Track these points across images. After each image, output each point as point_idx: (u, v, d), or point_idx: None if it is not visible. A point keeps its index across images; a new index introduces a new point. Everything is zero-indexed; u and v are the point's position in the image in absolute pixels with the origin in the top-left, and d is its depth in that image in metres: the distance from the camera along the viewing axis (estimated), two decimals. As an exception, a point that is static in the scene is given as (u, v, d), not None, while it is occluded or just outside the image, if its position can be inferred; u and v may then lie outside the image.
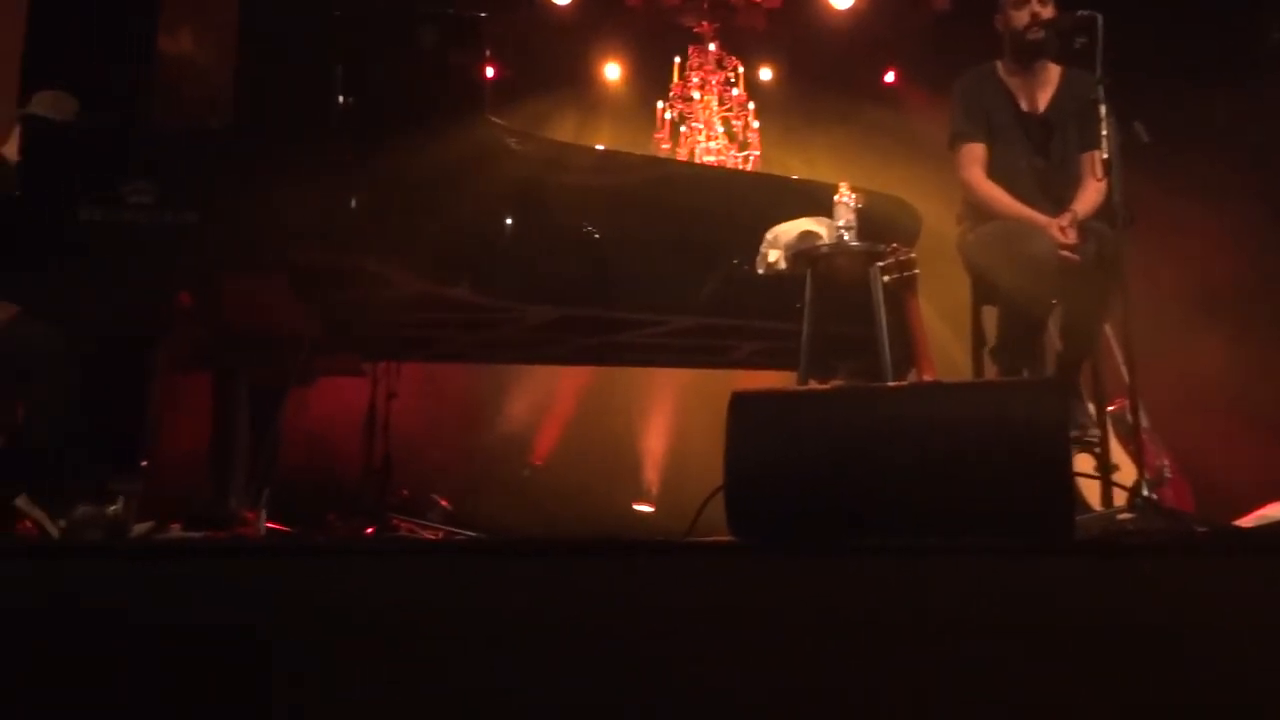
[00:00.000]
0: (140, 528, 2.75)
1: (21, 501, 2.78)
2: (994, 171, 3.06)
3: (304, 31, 2.99)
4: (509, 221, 3.04)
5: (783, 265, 3.20)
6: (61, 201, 2.50)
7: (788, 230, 3.22)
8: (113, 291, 2.58)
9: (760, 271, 3.26)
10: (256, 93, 2.94)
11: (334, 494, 3.62)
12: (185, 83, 4.39)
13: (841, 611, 1.65)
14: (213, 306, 2.78)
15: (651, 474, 5.88)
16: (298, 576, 1.73)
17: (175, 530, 3.04)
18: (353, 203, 2.69)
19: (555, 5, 6.15)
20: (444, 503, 4.92)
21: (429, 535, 3.33)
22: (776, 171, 5.27)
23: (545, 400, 5.64)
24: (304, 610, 1.65)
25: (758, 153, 6.07)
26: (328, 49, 2.87)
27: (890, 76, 6.33)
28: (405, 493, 4.18)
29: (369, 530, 3.35)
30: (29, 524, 2.80)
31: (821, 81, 5.96)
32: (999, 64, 3.17)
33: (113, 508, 2.56)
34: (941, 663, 1.52)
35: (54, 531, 2.72)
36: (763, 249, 3.26)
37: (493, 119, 3.07)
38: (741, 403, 2.25)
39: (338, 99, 2.82)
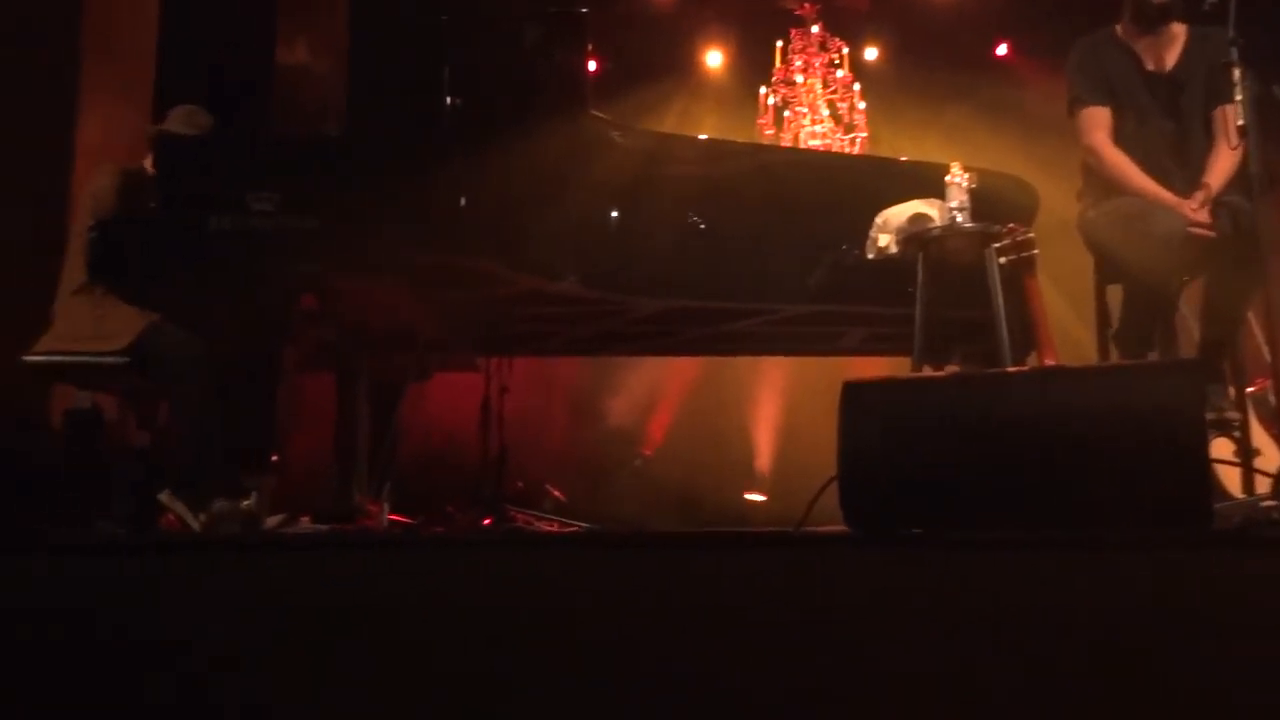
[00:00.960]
0: (272, 520, 2.88)
1: (165, 496, 2.95)
2: (1121, 137, 2.91)
3: (412, 36, 3.06)
4: (615, 215, 3.06)
5: (893, 249, 3.13)
6: (193, 212, 2.62)
7: (898, 213, 3.15)
8: (241, 297, 2.70)
9: (870, 257, 3.19)
10: (368, 98, 3.03)
11: (452, 486, 3.72)
12: (302, 92, 4.57)
13: (961, 605, 1.61)
14: (334, 308, 2.88)
15: (762, 463, 5.84)
16: (419, 566, 1.79)
17: (305, 522, 3.17)
18: (462, 202, 2.74)
19: (655, -3, 6.15)
20: (557, 493, 5.00)
21: (544, 526, 3.39)
22: (885, 153, 5.16)
23: (654, 391, 5.67)
24: (423, 597, 1.70)
25: (864, 134, 5.95)
26: (435, 52, 2.94)
27: (1002, 49, 6.12)
28: (520, 484, 4.26)
29: (486, 521, 3.43)
30: (172, 517, 2.97)
31: (929, 58, 5.80)
32: (1117, 27, 3.02)
33: (247, 502, 2.69)
34: (1070, 660, 1.47)
35: (194, 524, 2.88)
36: (872, 233, 3.20)
37: (596, 114, 3.09)
38: (854, 392, 2.22)
39: (446, 101, 2.88)
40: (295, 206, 2.64)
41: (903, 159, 4.17)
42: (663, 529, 4.16)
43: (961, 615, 1.54)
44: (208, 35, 4.17)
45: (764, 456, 5.85)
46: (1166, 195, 2.76)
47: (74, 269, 2.95)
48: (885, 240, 3.15)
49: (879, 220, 3.19)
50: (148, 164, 2.96)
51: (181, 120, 2.97)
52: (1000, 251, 2.84)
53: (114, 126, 3.91)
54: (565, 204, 2.90)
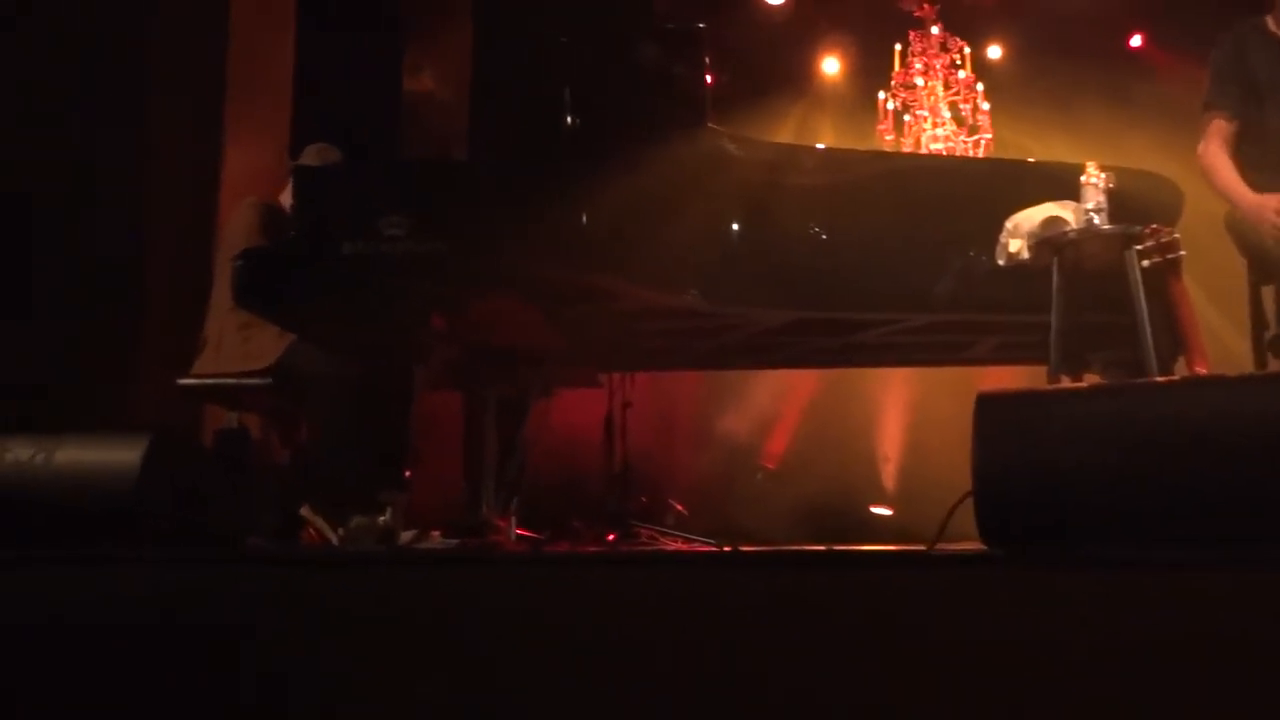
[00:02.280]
0: (406, 535, 2.97)
1: (305, 511, 3.08)
2: (1272, 137, 2.75)
3: (533, 59, 3.13)
4: (735, 228, 3.05)
5: (1025, 255, 3.02)
6: (328, 239, 2.73)
7: (1029, 217, 3.03)
8: (374, 318, 2.80)
9: (1001, 263, 3.08)
10: (491, 121, 3.10)
11: (577, 502, 3.76)
12: (429, 118, 4.73)
13: (1105, 630, 1.52)
14: (462, 327, 2.95)
15: (888, 475, 5.71)
16: (551, 583, 1.81)
17: (435, 537, 3.26)
18: (584, 220, 2.77)
19: (769, 4, 6.12)
20: (679, 507, 5.00)
21: (667, 541, 3.38)
22: (1013, 155, 4.98)
23: (776, 402, 5.61)
24: (558, 618, 1.72)
25: (989, 135, 5.77)
26: (555, 73, 2.99)
27: (1137, 40, 5.84)
28: (644, 499, 4.27)
29: (611, 536, 3.45)
30: (312, 531, 3.09)
31: (1058, 54, 5.58)
32: (1268, 18, 2.85)
33: (383, 518, 2.78)
34: (1233, 690, 1.37)
35: (333, 538, 2.99)
36: (1002, 239, 3.09)
37: (714, 127, 3.09)
38: (989, 404, 2.13)
39: (567, 121, 2.93)
40: (424, 230, 2.71)
41: (1032, 160, 4.02)
42: (787, 543, 4.11)
43: (1120, 643, 1.46)
44: (339, 73, 4.36)
45: (889, 468, 5.72)
46: (1247, 196, 2.61)
47: (221, 295, 3.12)
48: (1016, 246, 3.04)
49: (1009, 225, 3.08)
50: (286, 197, 3.11)
51: (313, 156, 3.13)
52: (1142, 254, 2.71)
53: (255, 162, 4.13)
54: (686, 218, 2.90)
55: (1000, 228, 3.10)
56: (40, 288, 3.49)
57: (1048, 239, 2.94)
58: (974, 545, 2.34)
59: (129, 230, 3.65)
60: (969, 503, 2.15)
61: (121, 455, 2.28)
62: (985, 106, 5.79)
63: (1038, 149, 5.01)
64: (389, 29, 4.77)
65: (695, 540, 3.26)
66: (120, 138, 3.61)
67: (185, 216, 3.95)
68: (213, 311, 3.20)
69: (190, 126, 4.01)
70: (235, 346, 3.06)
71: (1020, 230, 3.04)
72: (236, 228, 3.11)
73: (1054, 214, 2.98)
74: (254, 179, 4.02)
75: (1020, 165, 3.92)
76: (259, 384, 3.02)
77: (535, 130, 2.95)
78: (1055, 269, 2.92)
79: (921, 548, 2.88)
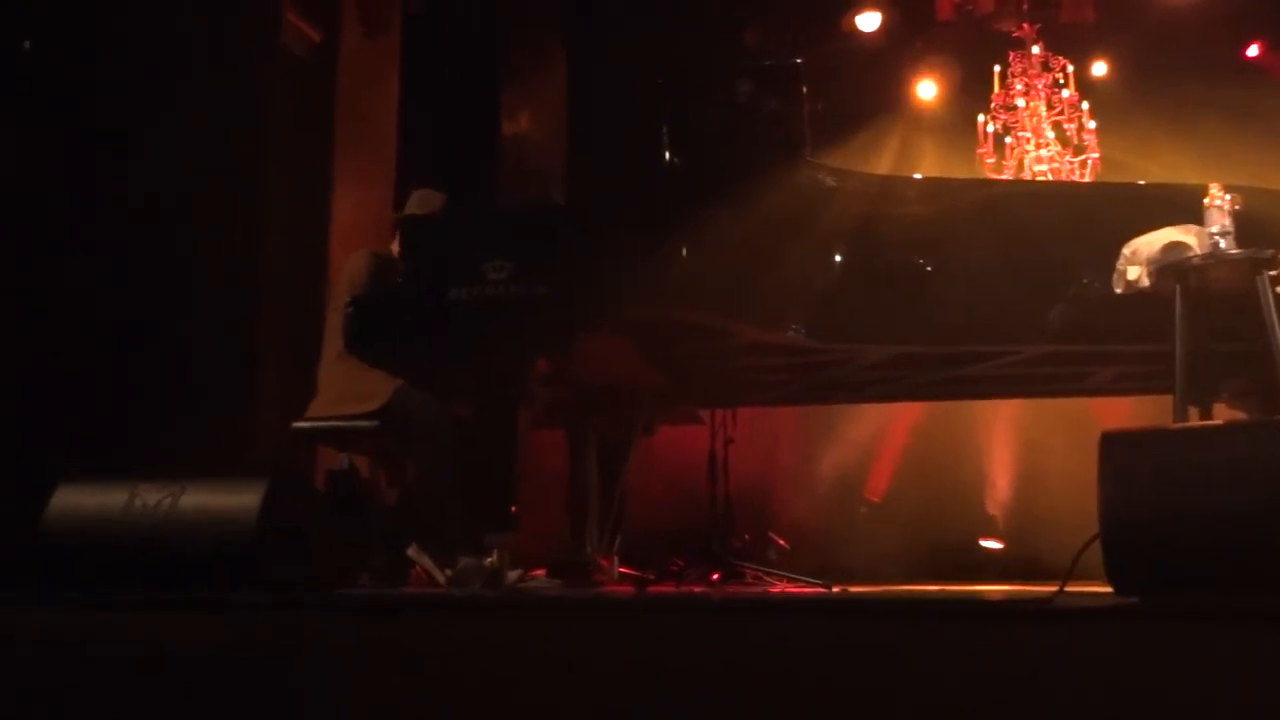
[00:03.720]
0: (511, 575, 2.99)
1: (412, 551, 3.12)
2: None
3: (630, 98, 3.15)
4: (838, 262, 3.00)
5: (1146, 282, 2.89)
6: (434, 286, 2.79)
7: (1149, 243, 2.91)
8: (479, 362, 2.84)
9: (1119, 290, 2.96)
10: (589, 162, 3.14)
11: (679, 540, 3.73)
12: (527, 160, 4.83)
13: (1247, 689, 1.43)
14: (565, 368, 2.97)
15: (997, 508, 5.53)
16: (660, 631, 1.79)
17: (540, 577, 3.27)
18: (685, 258, 2.77)
19: (862, 31, 6.06)
20: (781, 542, 4.92)
21: (772, 581, 3.32)
22: (1124, 177, 4.80)
23: (878, 435, 5.49)
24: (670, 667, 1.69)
25: (1096, 155, 5.59)
26: (653, 112, 3.00)
27: (1254, 50, 5.58)
28: (747, 537, 4.21)
29: (715, 575, 3.41)
30: (420, 571, 3.14)
31: (1168, 68, 5.36)
32: None
33: (490, 559, 2.80)
34: None
35: (440, 578, 3.02)
36: (1120, 265, 2.97)
37: (813, 161, 3.06)
38: (1115, 444, 2.04)
39: (665, 159, 2.93)
40: (527, 274, 2.75)
41: (1146, 183, 3.86)
42: (895, 581, 4.00)
43: (1266, 704, 1.36)
44: (440, 122, 4.48)
45: (998, 501, 5.54)
46: None
47: (332, 340, 3.21)
48: (1136, 272, 2.91)
49: (1126, 251, 2.96)
50: (394, 246, 3.20)
51: (418, 203, 3.21)
52: (1275, 280, 2.56)
53: (362, 210, 4.27)
54: (787, 254, 2.88)
55: (1115, 254, 2.98)
56: (165, 334, 3.65)
57: (1170, 265, 2.82)
58: (1099, 587, 2.24)
59: (247, 279, 3.80)
60: (1077, 533, 2.06)
61: (242, 499, 2.36)
62: (1091, 125, 5.62)
63: (1152, 169, 4.82)
64: (487, 76, 4.89)
65: (801, 580, 3.19)
66: (238, 191, 3.78)
67: (297, 265, 4.10)
68: (325, 354, 3.29)
69: (301, 179, 4.17)
70: (345, 390, 3.13)
71: (1139, 256, 2.92)
72: (349, 277, 3.21)
73: (1175, 239, 2.85)
74: (361, 228, 4.16)
75: (1134, 188, 3.77)
76: (368, 426, 3.08)
77: (634, 170, 2.96)
78: (1179, 296, 2.79)
79: (1044, 588, 2.77)
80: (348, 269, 3.24)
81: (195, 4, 3.71)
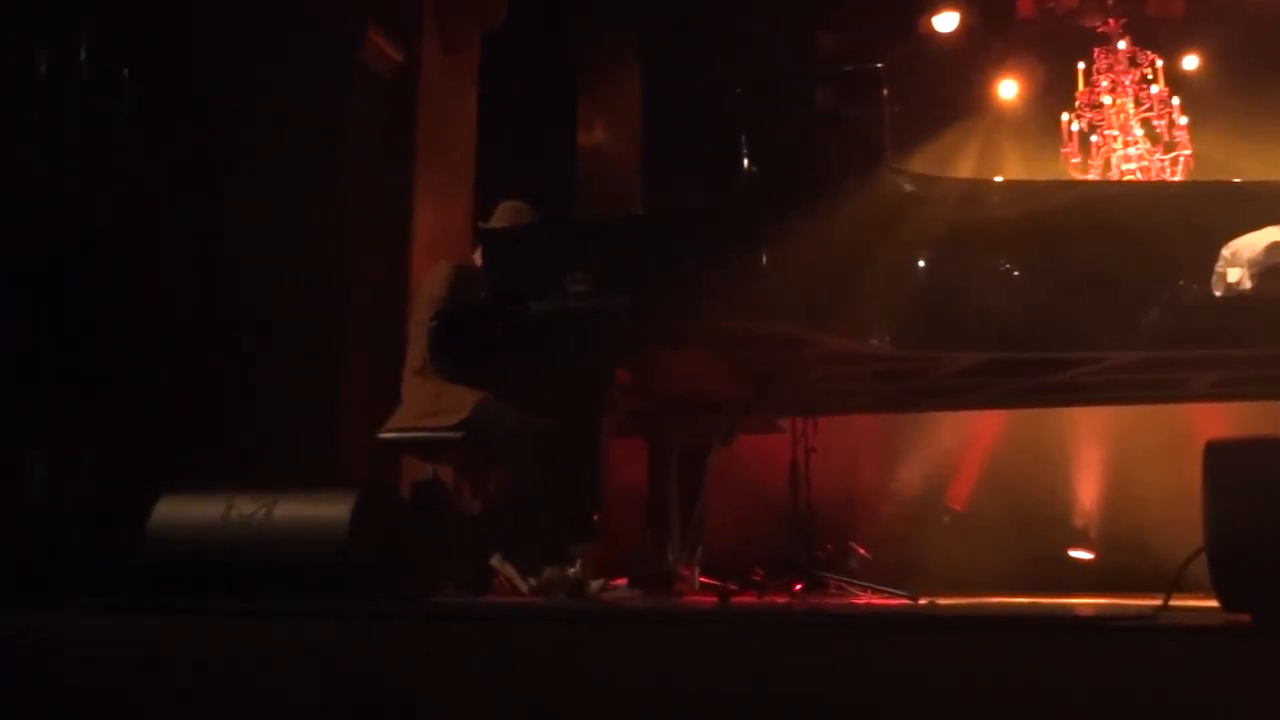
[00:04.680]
0: (592, 585, 2.99)
1: (496, 560, 3.15)
2: None
3: (705, 107, 3.14)
4: (921, 270, 2.95)
5: (1248, 284, 2.78)
6: (515, 298, 2.81)
7: (1250, 244, 2.80)
8: (561, 374, 2.86)
9: (1218, 293, 2.85)
10: (666, 172, 3.13)
11: (761, 549, 3.70)
12: (604, 172, 4.85)
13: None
14: (646, 378, 2.97)
15: (1087, 516, 5.36)
16: (745, 646, 1.77)
17: (621, 586, 3.27)
18: (766, 268, 2.75)
19: (940, 32, 5.96)
20: (862, 551, 4.84)
21: (854, 591, 3.27)
22: (1219, 174, 4.63)
23: (961, 441, 5.37)
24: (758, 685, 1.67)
25: (1188, 152, 5.40)
26: (730, 120, 2.99)
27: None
28: (829, 547, 4.15)
29: (797, 586, 3.37)
30: (503, 580, 3.17)
31: (1265, 60, 5.14)
32: None
33: (573, 569, 2.81)
34: None
35: (524, 588, 3.05)
36: (1219, 267, 2.86)
37: (894, 166, 3.01)
38: (1221, 453, 1.97)
39: (744, 168, 2.91)
40: (607, 285, 2.75)
41: (1246, 181, 3.71)
42: (982, 592, 3.90)
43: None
44: (518, 136, 4.54)
45: (1087, 509, 5.37)
46: None
47: (415, 353, 3.26)
48: (1237, 274, 2.80)
49: (1226, 253, 2.85)
50: (477, 257, 3.24)
51: (505, 216, 3.24)
52: (1389, 280, 2.44)
53: (443, 223, 4.35)
54: (869, 262, 2.83)
55: (1213, 255, 2.87)
56: (255, 348, 3.75)
57: (1273, 266, 2.70)
58: (1200, 600, 2.15)
59: (333, 293, 3.89)
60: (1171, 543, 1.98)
61: (333, 510, 2.41)
62: (1182, 121, 5.43)
63: (1250, 166, 4.63)
64: (564, 89, 4.93)
65: (886, 592, 3.13)
66: (324, 207, 3.87)
67: (381, 279, 4.18)
68: (408, 366, 3.34)
69: (384, 193, 4.26)
70: (429, 403, 3.18)
71: (1240, 258, 2.81)
72: (430, 289, 3.25)
73: (1278, 239, 2.74)
74: (443, 240, 4.22)
75: (1232, 187, 3.63)
76: (452, 437, 3.12)
77: (712, 180, 2.95)
78: (1284, 299, 2.68)
79: (1140, 601, 2.68)
80: (429, 281, 3.29)
81: (282, 26, 3.82)
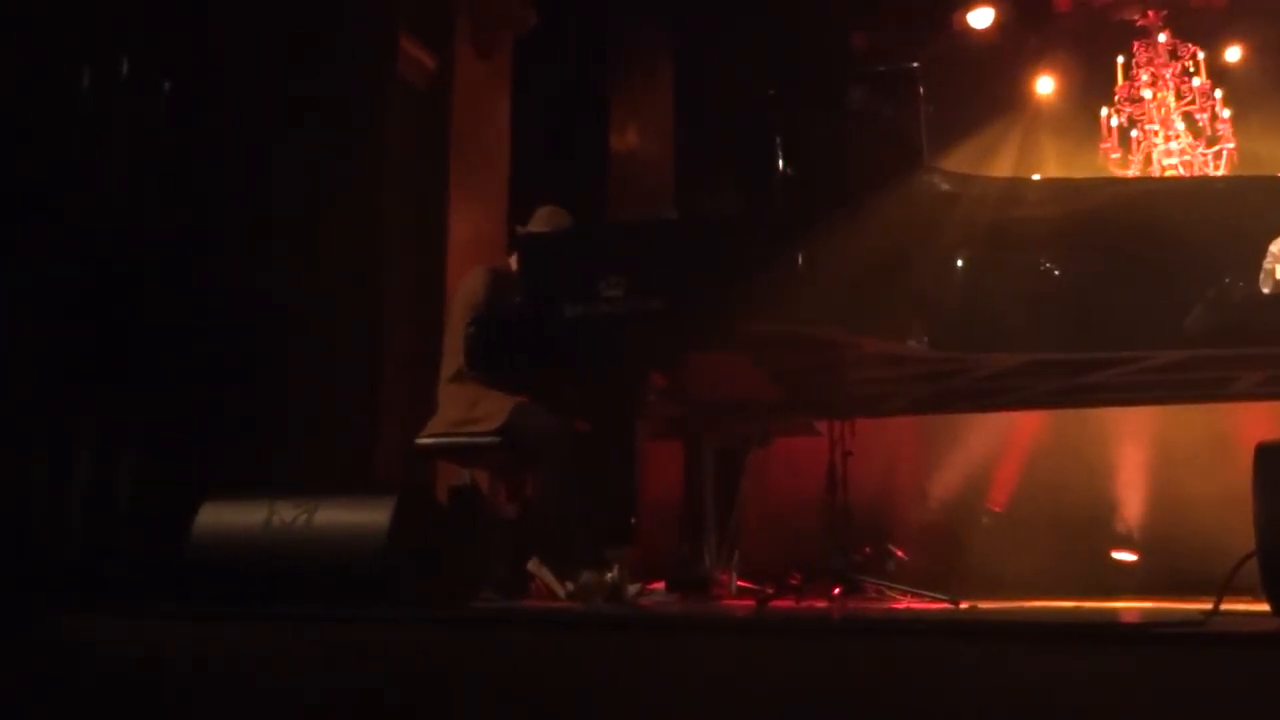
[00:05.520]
0: (630, 589, 2.99)
1: (533, 565, 3.16)
2: None
3: (739, 109, 3.12)
4: (959, 271, 2.92)
5: (1297, 281, 2.72)
6: (550, 303, 2.82)
7: (1300, 240, 2.74)
8: (596, 379, 2.86)
9: (1267, 290, 2.80)
10: (700, 175, 3.12)
11: (798, 553, 3.68)
12: (638, 175, 4.85)
13: None
14: (681, 382, 2.96)
15: (1129, 518, 5.27)
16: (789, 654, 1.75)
17: (659, 590, 3.26)
18: (802, 271, 2.73)
19: (975, 29, 5.90)
20: (900, 553, 4.80)
21: (893, 595, 3.24)
22: (1266, 168, 4.53)
23: (1000, 442, 5.31)
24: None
25: (1231, 145, 5.30)
26: (764, 122, 2.97)
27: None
28: (867, 549, 4.12)
29: (835, 590, 3.34)
30: (540, 584, 3.17)
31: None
32: None
33: (610, 574, 2.81)
34: None
35: (560, 592, 3.05)
36: (1268, 264, 2.81)
37: (932, 166, 2.98)
38: (1273, 456, 1.93)
39: (778, 171, 2.90)
40: (641, 290, 2.74)
41: (1294, 174, 3.64)
42: (1022, 595, 3.85)
43: None
44: (552, 140, 4.54)
45: (1131, 510, 5.28)
46: None
47: (451, 358, 3.28)
48: (1286, 272, 2.75)
49: (1275, 249, 2.79)
50: (512, 262, 3.25)
51: (543, 221, 3.24)
52: None
53: (477, 228, 4.37)
54: (907, 264, 2.81)
55: (1262, 251, 2.81)
56: (292, 354, 3.79)
57: (1323, 263, 2.64)
58: (1246, 604, 2.10)
59: (369, 299, 3.92)
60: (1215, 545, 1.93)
61: (373, 516, 2.43)
62: (1225, 114, 5.33)
63: (1297, 159, 4.55)
64: (597, 92, 4.94)
65: (926, 595, 3.10)
66: (360, 214, 3.91)
67: (416, 284, 4.21)
68: (444, 372, 3.36)
69: (419, 199, 4.29)
70: (465, 408, 3.20)
71: (1288, 254, 2.75)
72: (466, 294, 3.27)
73: (1330, 235, 2.68)
74: (478, 245, 4.24)
75: (1278, 181, 3.56)
76: (489, 442, 3.14)
77: (747, 183, 2.93)
78: (1334, 296, 2.61)
79: (1186, 605, 2.62)
80: (465, 286, 3.30)
81: (316, 36, 3.86)
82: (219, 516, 2.47)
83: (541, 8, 4.80)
